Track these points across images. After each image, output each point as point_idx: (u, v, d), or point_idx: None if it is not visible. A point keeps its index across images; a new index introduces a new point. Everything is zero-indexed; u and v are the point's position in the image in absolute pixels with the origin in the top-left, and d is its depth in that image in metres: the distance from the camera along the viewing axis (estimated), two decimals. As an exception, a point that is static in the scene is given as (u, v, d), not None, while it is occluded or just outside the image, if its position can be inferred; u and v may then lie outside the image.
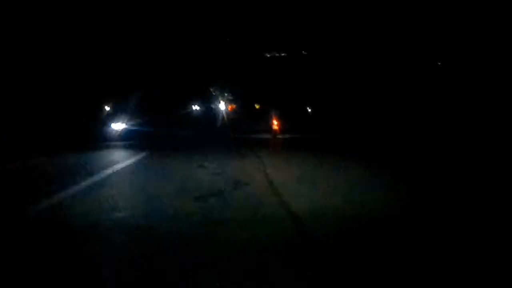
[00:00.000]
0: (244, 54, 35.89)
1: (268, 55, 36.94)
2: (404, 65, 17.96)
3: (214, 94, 34.09)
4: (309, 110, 24.57)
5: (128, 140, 12.96)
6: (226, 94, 32.87)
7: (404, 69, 17.90)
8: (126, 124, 14.33)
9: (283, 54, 36.49)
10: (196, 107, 35.59)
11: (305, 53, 30.34)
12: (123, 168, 7.69)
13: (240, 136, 15.59)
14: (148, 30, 23.96)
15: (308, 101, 24.80)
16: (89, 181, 6.24)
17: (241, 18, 30.83)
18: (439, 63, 16.28)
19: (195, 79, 34.11)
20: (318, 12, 24.55)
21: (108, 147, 11.56)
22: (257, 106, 26.74)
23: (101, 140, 12.51)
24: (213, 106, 34.47)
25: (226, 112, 30.64)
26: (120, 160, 8.79)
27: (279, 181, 6.16)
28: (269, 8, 28.87)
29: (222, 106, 32.69)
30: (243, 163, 8.27)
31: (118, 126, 14.04)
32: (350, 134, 14.96)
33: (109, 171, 7.24)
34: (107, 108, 19.04)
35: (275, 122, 15.35)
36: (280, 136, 15.05)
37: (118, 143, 12.52)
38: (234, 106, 31.78)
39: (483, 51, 13.84)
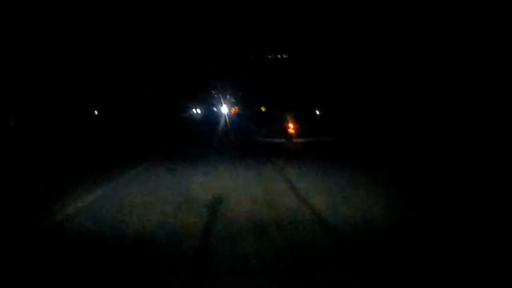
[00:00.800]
0: (245, 56, 35.13)
1: (270, 57, 36.20)
2: (404, 65, 17.62)
3: (216, 96, 33.20)
4: (318, 113, 23.76)
5: None
6: (228, 97, 31.99)
7: (404, 69, 17.58)
8: None
9: (285, 56, 35.80)
10: (197, 110, 34.68)
11: (307, 54, 29.63)
12: None
13: (246, 142, 14.63)
14: (149, 33, 23.27)
15: (316, 103, 24.04)
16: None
17: (242, 20, 30.15)
18: (439, 64, 15.92)
19: (195, 81, 33.22)
20: (319, 13, 24.04)
21: None
22: (263, 109, 25.84)
23: None
24: (215, 109, 33.57)
25: (229, 115, 29.75)
26: None
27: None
28: (270, 10, 28.26)
29: (224, 109, 31.80)
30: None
31: None
32: (362, 137, 14.38)
33: None
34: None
35: (290, 125, 14.46)
36: (297, 141, 14.17)
37: None
38: (237, 108, 30.88)
39: (483, 51, 13.59)
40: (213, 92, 33.20)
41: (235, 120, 26.60)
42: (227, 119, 27.65)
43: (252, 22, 30.92)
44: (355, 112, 20.24)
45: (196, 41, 30.11)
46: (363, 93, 20.45)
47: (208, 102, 34.16)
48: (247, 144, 14.02)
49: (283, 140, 14.69)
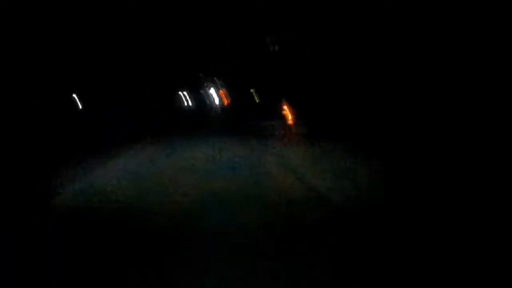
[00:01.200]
0: (233, 38, 33.99)
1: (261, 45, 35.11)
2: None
3: (203, 78, 31.94)
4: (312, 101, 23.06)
5: None
6: (216, 79, 30.86)
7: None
8: None
9: (276, 48, 34.75)
10: (183, 93, 33.28)
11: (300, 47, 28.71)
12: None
13: (236, 124, 13.69)
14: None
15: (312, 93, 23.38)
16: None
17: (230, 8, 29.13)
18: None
19: (180, 63, 31.96)
20: (318, 9, 23.23)
21: None
22: (253, 91, 24.93)
23: None
24: (202, 91, 32.34)
25: (218, 98, 28.70)
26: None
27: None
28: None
29: (212, 91, 30.69)
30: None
31: None
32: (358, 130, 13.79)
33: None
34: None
35: (285, 108, 13.54)
36: (293, 125, 13.27)
37: None
38: (225, 91, 29.79)
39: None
40: (200, 74, 31.89)
41: (224, 103, 25.59)
42: (216, 102, 26.63)
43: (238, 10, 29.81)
44: (350, 103, 19.74)
45: (183, 24, 28.96)
46: (357, 88, 19.96)
47: (195, 85, 32.85)
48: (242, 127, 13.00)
49: (277, 122, 13.78)
